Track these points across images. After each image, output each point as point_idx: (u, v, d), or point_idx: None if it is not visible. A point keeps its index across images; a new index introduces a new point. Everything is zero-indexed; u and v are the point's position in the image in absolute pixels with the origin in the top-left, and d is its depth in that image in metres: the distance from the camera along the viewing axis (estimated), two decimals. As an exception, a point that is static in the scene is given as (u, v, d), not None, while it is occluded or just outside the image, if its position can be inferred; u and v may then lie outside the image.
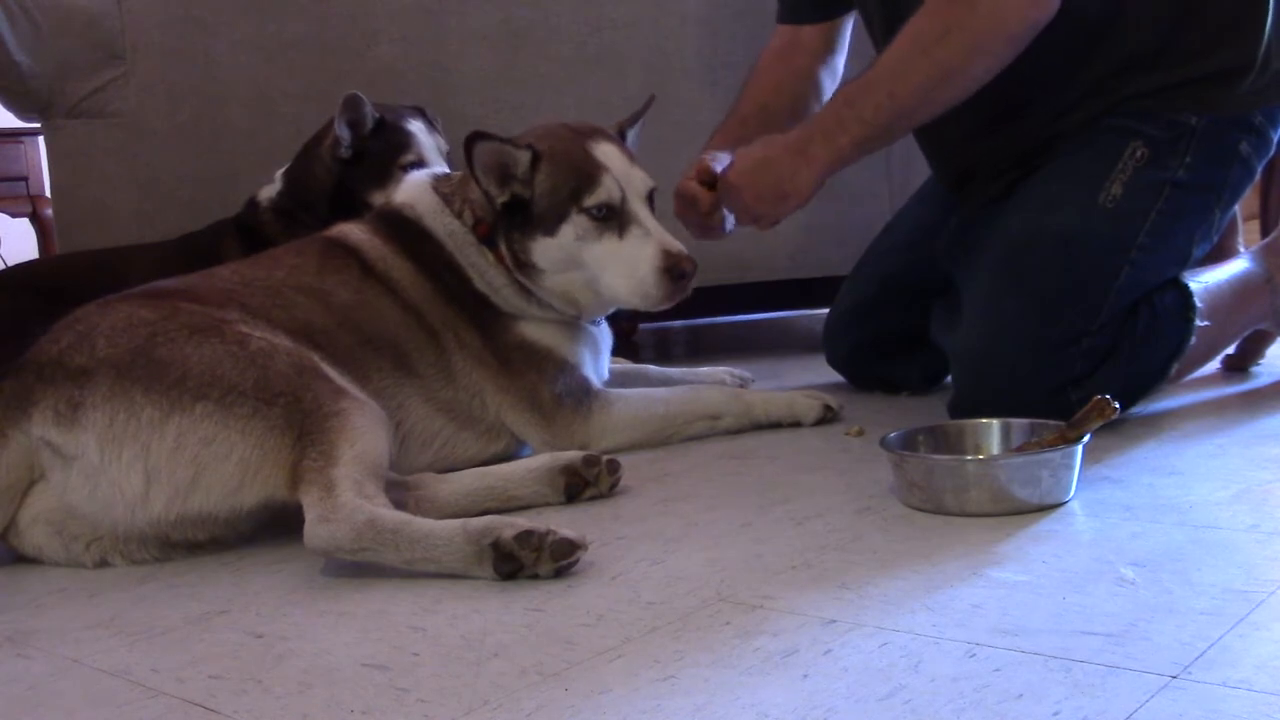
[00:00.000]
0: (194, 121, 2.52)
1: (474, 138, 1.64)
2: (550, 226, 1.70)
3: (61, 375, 1.37)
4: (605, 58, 2.60)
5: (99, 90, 2.46)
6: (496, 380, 1.73)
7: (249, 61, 2.52)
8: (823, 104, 2.06)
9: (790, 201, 1.79)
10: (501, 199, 1.69)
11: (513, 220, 1.71)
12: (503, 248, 1.74)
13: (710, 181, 1.88)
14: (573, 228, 1.69)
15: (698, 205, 1.89)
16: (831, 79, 2.13)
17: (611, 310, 1.85)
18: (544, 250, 1.71)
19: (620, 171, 1.72)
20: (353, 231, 1.77)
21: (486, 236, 1.75)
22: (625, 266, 1.69)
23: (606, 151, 1.73)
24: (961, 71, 1.65)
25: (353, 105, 2.15)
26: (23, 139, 4.37)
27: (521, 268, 1.73)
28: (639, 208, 1.72)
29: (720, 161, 1.90)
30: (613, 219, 1.70)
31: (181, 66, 2.50)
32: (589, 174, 1.69)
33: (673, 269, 1.68)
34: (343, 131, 2.17)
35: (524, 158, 1.68)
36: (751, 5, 2.67)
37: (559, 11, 2.61)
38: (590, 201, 1.68)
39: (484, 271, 1.76)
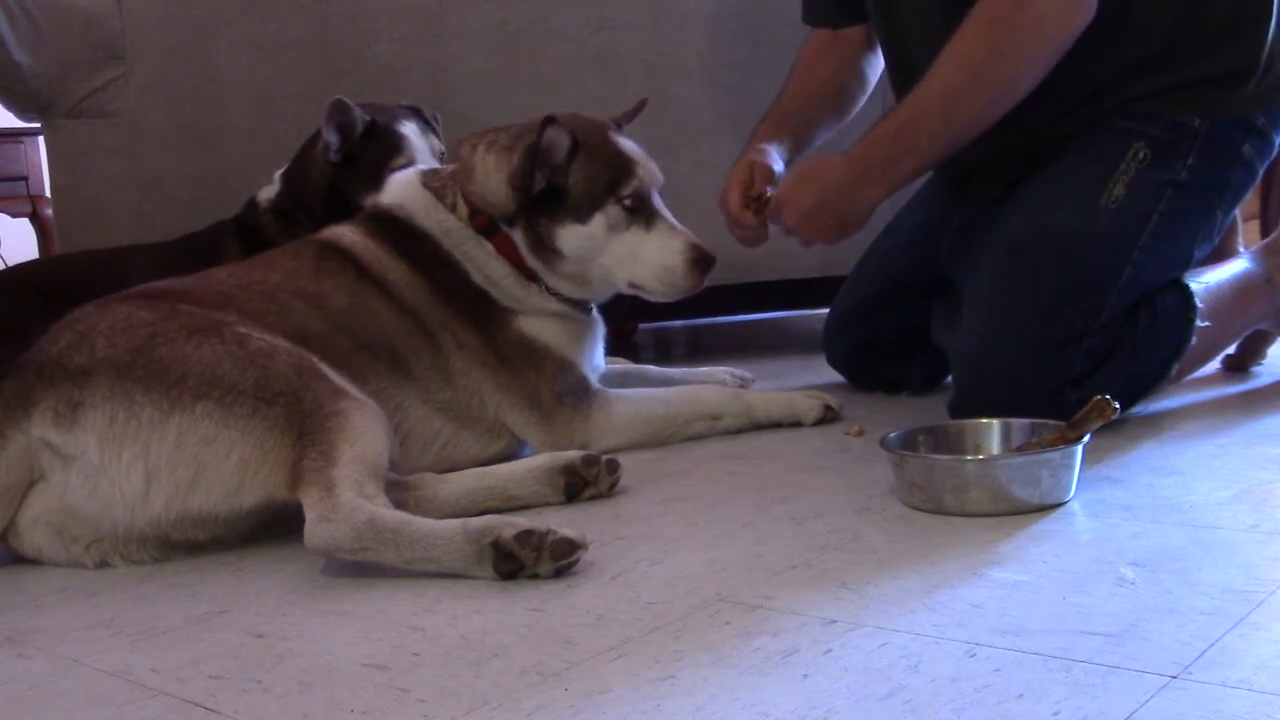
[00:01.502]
0: (194, 121, 2.51)
1: (551, 120, 1.67)
2: (584, 214, 1.72)
3: (61, 375, 1.37)
4: (605, 58, 2.60)
5: (99, 90, 2.46)
6: (496, 379, 1.73)
7: (249, 61, 2.52)
8: (866, 94, 2.11)
9: (849, 233, 1.83)
10: (540, 185, 1.71)
11: (539, 206, 1.72)
12: (518, 235, 1.74)
13: (756, 198, 1.89)
14: (605, 217, 1.73)
15: (743, 225, 1.91)
16: (874, 70, 2.13)
17: (611, 295, 1.86)
18: (572, 237, 1.73)
19: (644, 164, 1.77)
20: (345, 234, 1.77)
21: (485, 227, 1.76)
22: (655, 257, 1.75)
23: (629, 145, 1.78)
24: (1014, 89, 1.67)
25: (339, 110, 2.14)
26: (23, 139, 4.37)
27: (541, 254, 1.74)
28: (659, 202, 1.78)
29: (774, 159, 1.93)
30: (640, 211, 1.75)
31: (181, 66, 2.50)
32: (623, 165, 1.74)
33: (700, 260, 1.75)
34: (330, 136, 2.16)
35: (565, 144, 1.70)
36: (751, 6, 2.67)
37: (559, 11, 2.60)
38: (626, 192, 1.73)
39: (484, 264, 1.76)
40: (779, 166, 1.94)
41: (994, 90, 1.67)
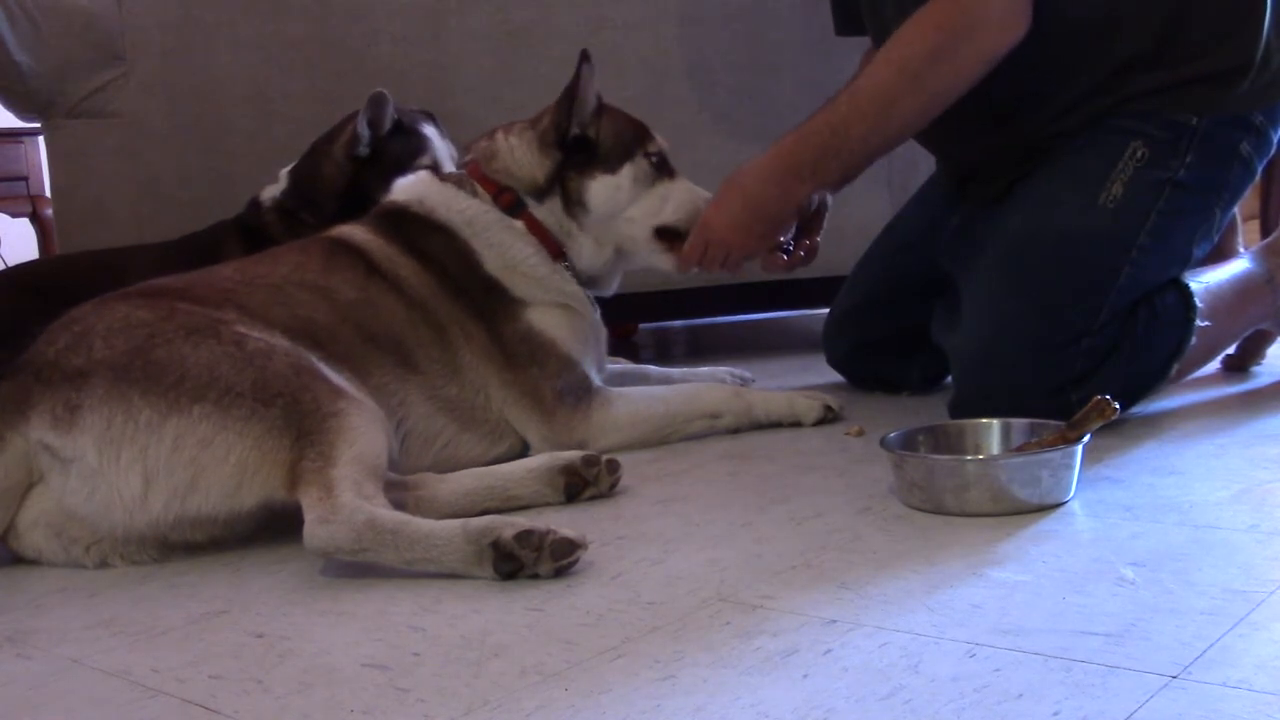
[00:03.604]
0: (194, 121, 2.52)
1: (588, 55, 1.78)
2: (613, 165, 1.82)
3: (59, 377, 1.36)
4: (605, 58, 2.58)
5: (99, 90, 2.46)
6: (501, 375, 1.74)
7: (249, 61, 2.52)
8: None
9: (784, 226, 1.85)
10: (575, 132, 1.80)
11: (570, 161, 1.81)
12: (547, 209, 1.81)
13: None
14: (633, 168, 1.83)
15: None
16: None
17: (620, 275, 1.93)
18: (602, 189, 1.81)
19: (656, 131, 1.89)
20: (356, 231, 1.78)
21: (511, 205, 1.81)
22: (683, 198, 1.87)
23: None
24: (948, 96, 1.70)
25: (377, 103, 2.16)
26: (23, 139, 4.37)
27: (572, 212, 1.82)
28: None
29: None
30: (664, 168, 1.87)
31: (181, 66, 2.50)
32: (642, 126, 1.87)
33: None
34: (364, 130, 2.17)
35: (594, 93, 1.81)
36: (751, 5, 2.67)
37: (559, 11, 2.60)
38: (652, 149, 1.86)
39: (508, 247, 1.79)
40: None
41: (929, 97, 1.70)
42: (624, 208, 1.83)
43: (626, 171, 1.82)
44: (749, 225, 1.82)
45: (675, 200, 1.86)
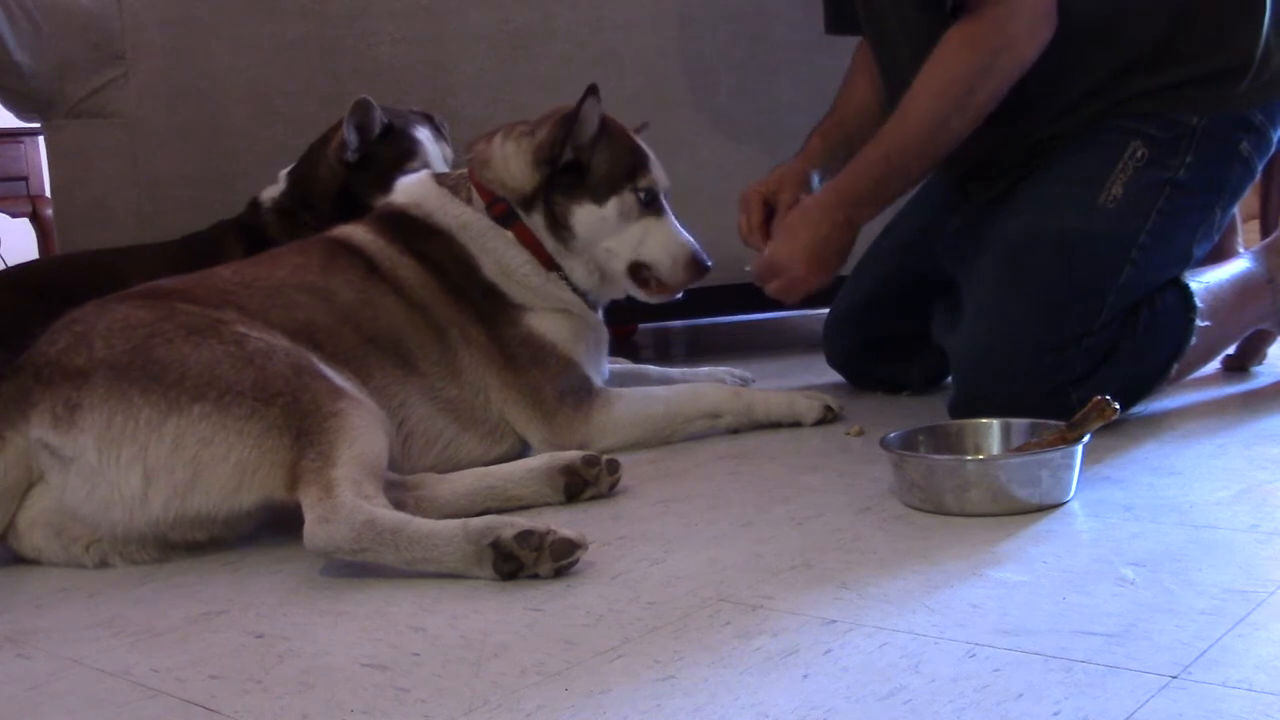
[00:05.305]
0: (194, 121, 2.51)
1: (595, 89, 1.75)
2: (601, 196, 1.79)
3: (59, 377, 1.36)
4: (605, 58, 2.60)
5: (99, 90, 2.46)
6: (501, 376, 1.74)
7: (249, 61, 2.52)
8: None
9: (848, 254, 1.85)
10: (568, 157, 1.77)
11: (558, 184, 1.78)
12: (536, 220, 1.79)
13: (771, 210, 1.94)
14: (620, 202, 1.80)
15: (752, 231, 1.94)
16: None
17: (611, 299, 1.91)
18: (587, 216, 1.79)
19: (656, 164, 1.85)
20: (356, 232, 1.78)
21: (503, 215, 1.80)
22: (664, 240, 1.83)
23: (644, 144, 1.86)
24: (990, 106, 1.72)
25: (362, 109, 2.16)
26: (23, 139, 4.37)
27: (557, 233, 1.80)
28: (666, 204, 1.86)
29: (810, 178, 1.98)
30: (651, 205, 1.83)
31: (181, 66, 2.50)
32: (641, 158, 1.83)
33: (699, 263, 1.85)
34: (350, 135, 2.17)
35: (596, 120, 1.77)
36: (751, 6, 2.67)
37: (559, 12, 2.60)
38: (642, 183, 1.81)
39: (501, 255, 1.78)
40: (815, 183, 1.98)
41: (975, 112, 1.72)
42: (605, 238, 1.81)
43: (613, 204, 1.79)
44: (819, 257, 1.81)
45: (652, 240, 1.82)
